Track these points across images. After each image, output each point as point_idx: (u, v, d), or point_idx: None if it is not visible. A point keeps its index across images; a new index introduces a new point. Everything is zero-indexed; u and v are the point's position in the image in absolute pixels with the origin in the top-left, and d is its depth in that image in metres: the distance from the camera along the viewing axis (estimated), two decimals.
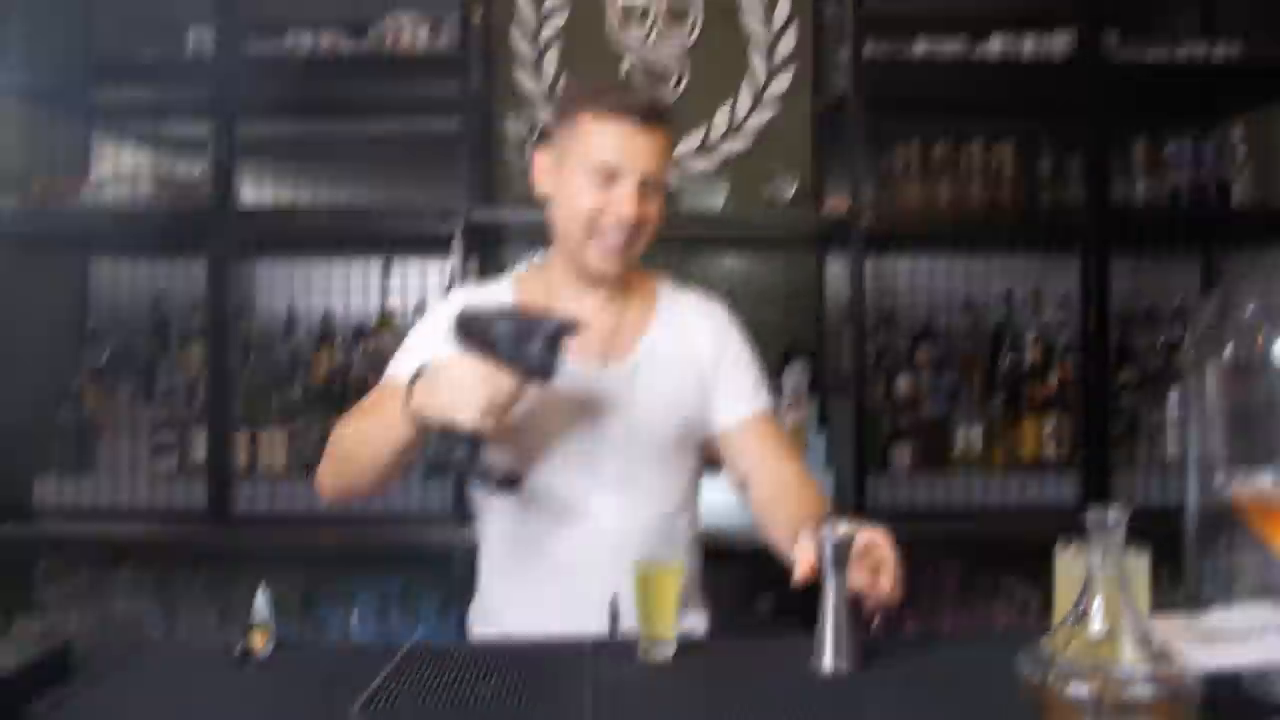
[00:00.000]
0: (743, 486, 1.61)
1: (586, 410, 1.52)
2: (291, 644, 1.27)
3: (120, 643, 1.30)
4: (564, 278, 1.57)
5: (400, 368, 1.52)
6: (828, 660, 1.17)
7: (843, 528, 1.19)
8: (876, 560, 1.23)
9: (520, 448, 1.52)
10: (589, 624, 1.42)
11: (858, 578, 1.21)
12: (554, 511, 1.53)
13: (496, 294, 1.62)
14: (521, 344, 1.27)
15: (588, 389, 1.53)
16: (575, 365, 1.50)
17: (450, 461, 1.30)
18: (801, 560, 1.21)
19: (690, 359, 1.58)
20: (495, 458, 1.36)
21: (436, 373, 1.32)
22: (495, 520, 1.60)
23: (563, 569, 1.52)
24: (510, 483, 1.36)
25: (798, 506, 1.46)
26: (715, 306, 1.67)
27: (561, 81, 3.05)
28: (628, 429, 1.52)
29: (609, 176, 1.44)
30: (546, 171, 1.53)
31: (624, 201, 1.44)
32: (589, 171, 1.45)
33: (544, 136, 1.58)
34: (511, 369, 1.28)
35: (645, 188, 1.46)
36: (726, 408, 1.59)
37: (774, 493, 1.53)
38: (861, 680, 1.16)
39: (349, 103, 2.65)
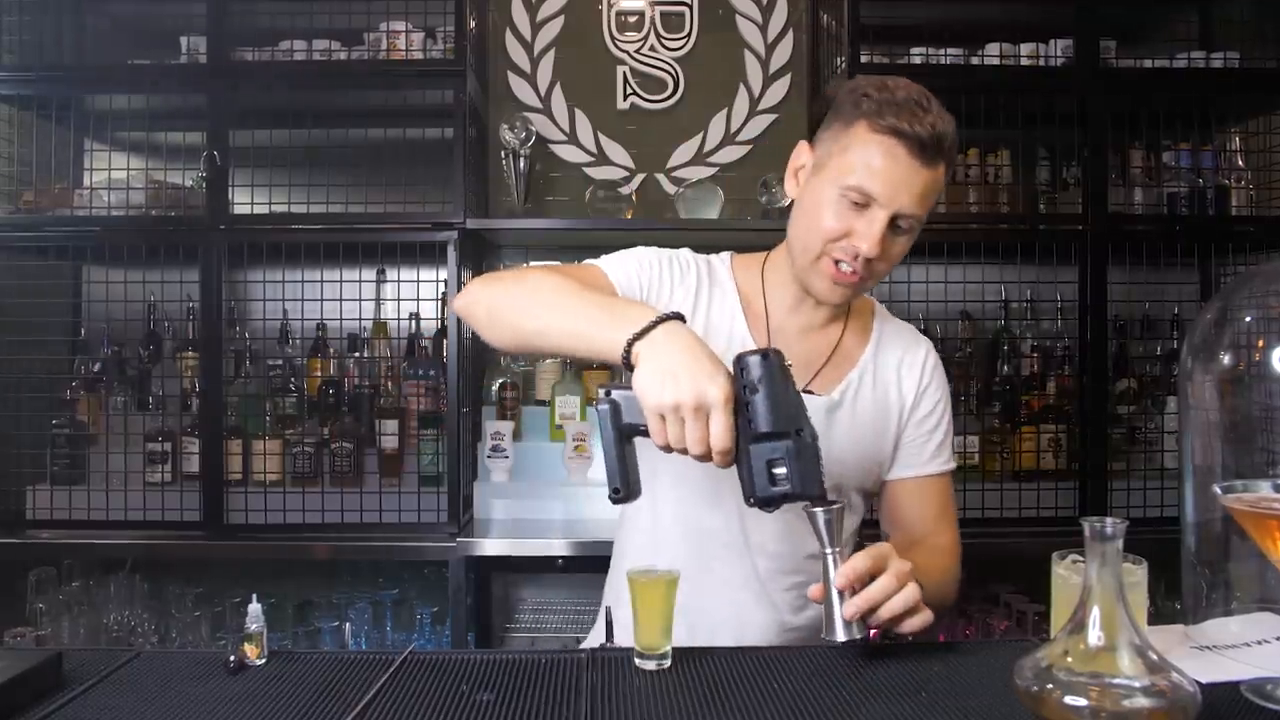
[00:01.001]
0: (889, 531, 1.52)
1: None
2: (285, 655, 1.26)
3: (113, 653, 1.27)
4: (788, 286, 1.43)
5: (616, 267, 1.39)
6: (839, 630, 1.17)
7: (832, 503, 1.17)
8: (902, 575, 1.19)
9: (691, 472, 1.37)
10: (752, 630, 1.40)
11: (883, 583, 1.17)
12: (712, 537, 1.42)
13: (719, 269, 1.47)
14: (774, 421, 1.13)
15: None
16: None
17: (780, 490, 1.15)
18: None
19: (890, 404, 1.47)
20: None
21: (677, 338, 1.14)
22: (635, 535, 1.50)
23: (707, 590, 1.42)
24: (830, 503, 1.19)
25: (924, 556, 1.35)
26: (925, 345, 1.53)
27: (560, 91, 3.06)
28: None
29: (862, 201, 1.29)
30: (802, 169, 1.38)
31: (869, 235, 1.28)
32: (843, 186, 1.29)
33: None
34: (740, 426, 1.13)
35: (898, 225, 1.30)
36: (906, 461, 1.48)
37: (908, 544, 1.42)
38: (857, 691, 1.15)
39: (343, 111, 2.64)
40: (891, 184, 1.26)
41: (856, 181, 1.27)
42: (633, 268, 1.41)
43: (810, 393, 1.39)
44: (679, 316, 1.17)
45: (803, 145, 1.39)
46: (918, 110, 1.25)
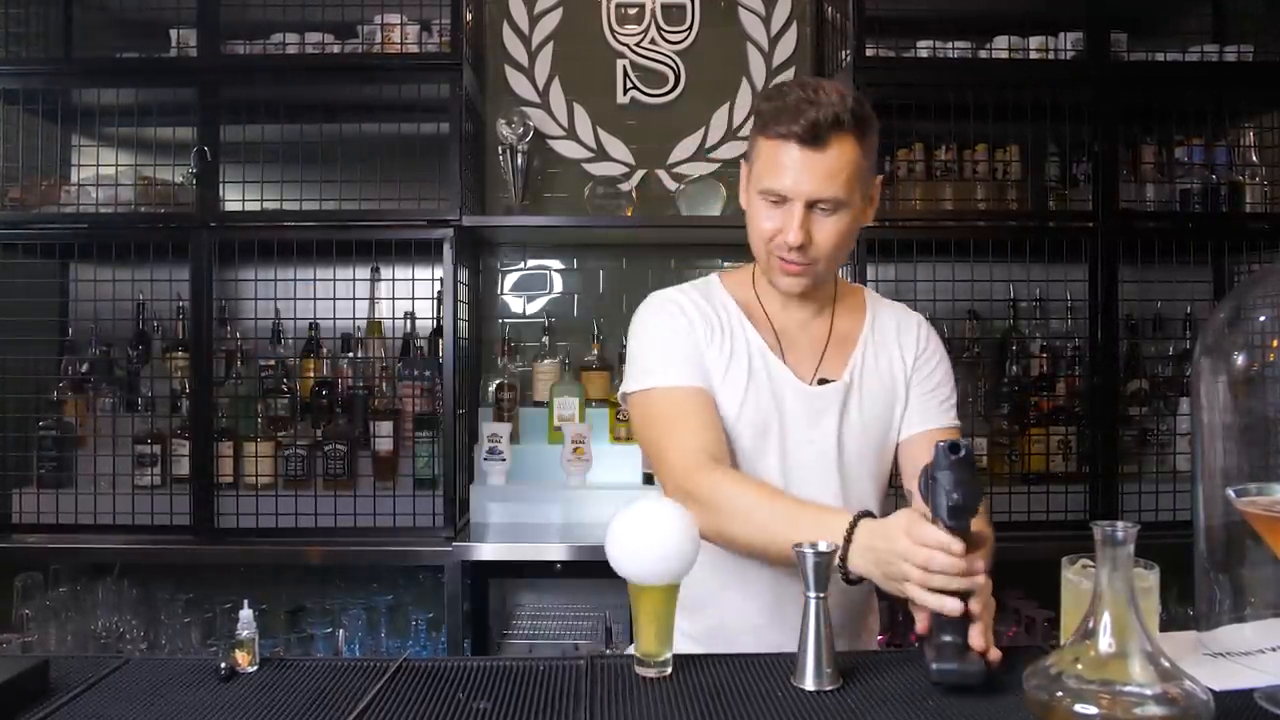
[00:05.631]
0: (910, 495, 1.55)
1: (803, 421, 1.51)
2: (277, 662, 1.27)
3: (101, 660, 1.27)
4: (769, 288, 1.55)
5: (665, 367, 1.50)
6: (809, 679, 1.17)
7: (822, 546, 1.18)
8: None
9: (733, 445, 1.50)
10: (732, 600, 1.48)
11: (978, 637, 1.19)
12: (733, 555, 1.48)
13: (711, 290, 1.59)
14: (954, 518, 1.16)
15: (808, 401, 1.51)
16: (795, 378, 1.51)
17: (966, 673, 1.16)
18: (920, 616, 1.22)
19: (895, 373, 1.58)
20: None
21: (873, 540, 1.24)
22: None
23: (763, 574, 1.49)
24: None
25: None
26: (916, 316, 1.65)
27: (559, 85, 3.02)
28: (840, 444, 1.51)
29: (778, 200, 1.43)
30: (744, 186, 1.53)
31: (790, 227, 1.42)
32: (761, 193, 1.45)
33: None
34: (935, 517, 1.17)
35: (818, 209, 1.42)
36: (913, 418, 1.58)
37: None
38: (863, 699, 1.15)
39: (336, 105, 2.61)
40: (792, 177, 1.40)
41: (765, 185, 1.43)
42: (687, 366, 1.49)
43: (826, 381, 1.52)
44: (868, 514, 1.28)
45: (744, 163, 1.54)
46: (802, 106, 1.38)
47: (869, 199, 1.48)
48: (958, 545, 1.15)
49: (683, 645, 1.38)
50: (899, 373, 1.58)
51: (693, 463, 1.41)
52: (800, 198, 1.40)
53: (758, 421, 1.49)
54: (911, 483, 1.55)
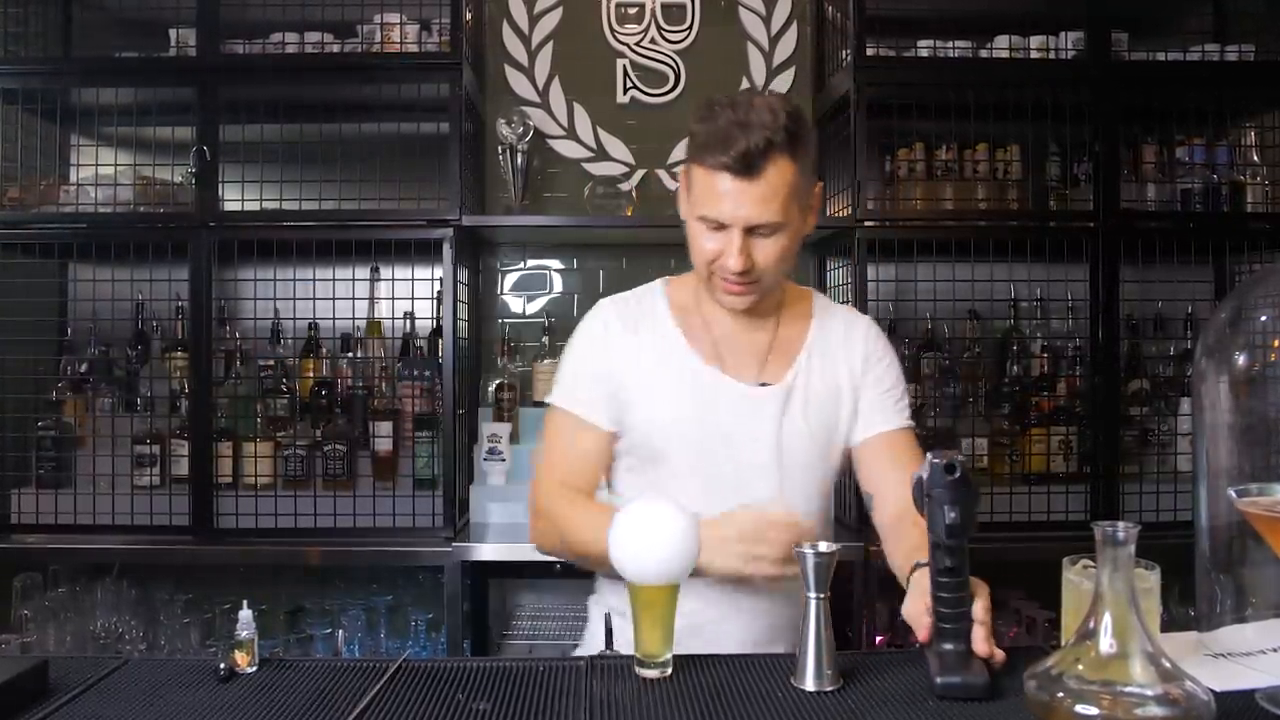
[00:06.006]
0: (869, 498, 1.63)
1: (741, 428, 1.52)
2: (276, 662, 1.27)
3: (100, 661, 1.27)
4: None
5: (571, 390, 1.58)
6: (809, 680, 1.17)
7: (823, 546, 1.18)
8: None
9: (670, 459, 1.53)
10: (737, 630, 1.48)
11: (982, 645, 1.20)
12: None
13: (650, 300, 1.62)
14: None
15: (745, 407, 1.53)
16: (732, 383, 1.53)
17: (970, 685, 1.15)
18: (920, 628, 1.24)
19: (841, 377, 1.59)
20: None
21: (711, 531, 1.34)
22: None
23: (697, 580, 1.48)
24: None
25: (920, 533, 1.42)
26: (864, 320, 1.67)
27: (559, 85, 3.01)
28: (780, 449, 1.53)
29: (717, 227, 1.44)
30: (682, 200, 1.54)
31: (730, 253, 1.43)
32: (700, 219, 1.46)
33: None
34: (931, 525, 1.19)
35: (756, 234, 1.43)
36: (866, 423, 1.59)
37: (899, 512, 1.51)
38: (864, 696, 1.15)
39: (336, 105, 2.59)
40: (730, 206, 1.41)
41: (704, 212, 1.44)
42: (591, 394, 1.56)
43: (765, 385, 1.54)
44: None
45: (681, 171, 1.55)
46: (733, 132, 1.38)
47: (809, 208, 1.49)
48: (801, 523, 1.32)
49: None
50: (845, 378, 1.59)
51: (552, 488, 1.55)
52: (738, 225, 1.42)
53: (690, 428, 1.51)
54: (870, 485, 1.61)
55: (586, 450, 1.57)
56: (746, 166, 1.38)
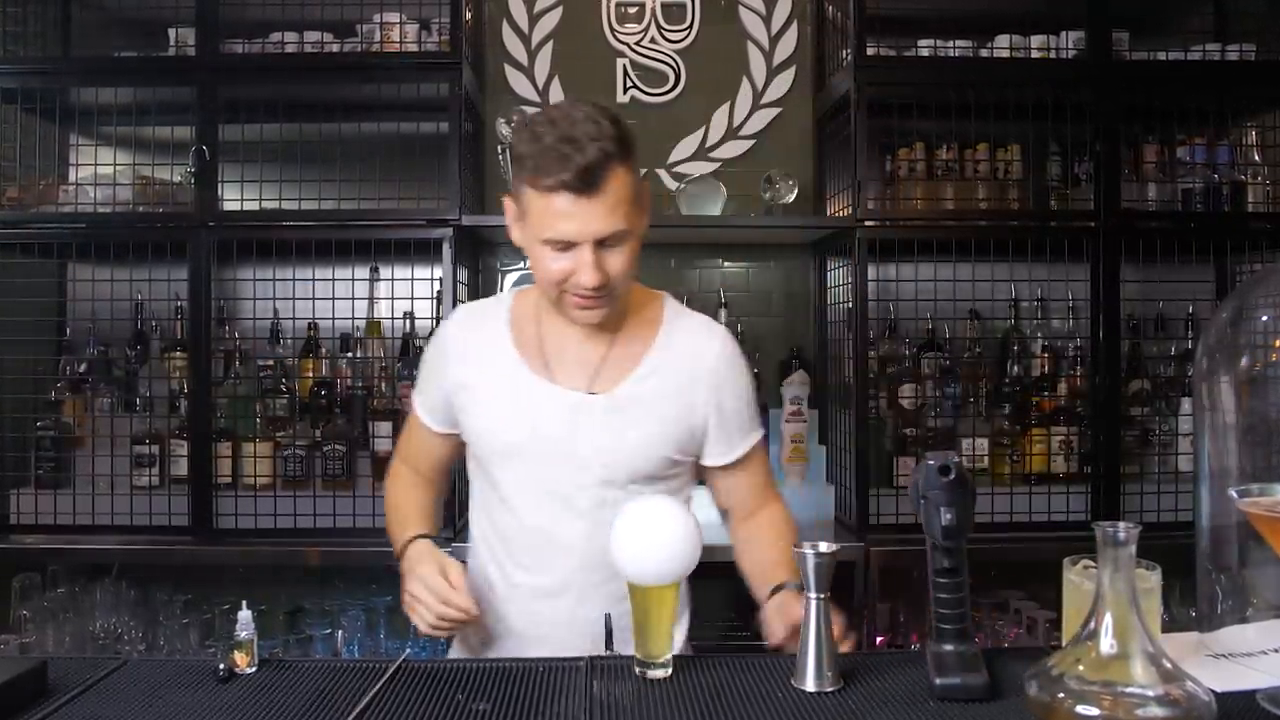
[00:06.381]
0: (723, 514, 1.70)
1: (565, 436, 1.51)
2: (276, 663, 1.28)
3: (99, 661, 1.28)
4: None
5: (418, 386, 1.67)
6: (810, 680, 1.17)
7: (823, 547, 1.19)
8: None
9: (499, 467, 1.55)
10: (570, 645, 1.44)
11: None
12: (529, 537, 1.55)
13: (494, 311, 1.62)
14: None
15: (570, 415, 1.52)
16: (561, 392, 1.52)
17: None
18: (772, 636, 1.39)
19: (685, 390, 1.56)
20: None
21: (412, 565, 1.49)
22: (480, 539, 1.65)
23: (540, 592, 1.55)
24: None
25: (772, 552, 1.56)
26: (718, 332, 1.62)
27: (558, 84, 3.00)
28: (603, 460, 1.51)
29: (564, 247, 1.42)
30: (514, 223, 1.51)
31: (584, 270, 1.41)
32: (544, 242, 1.43)
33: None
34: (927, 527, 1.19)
35: (605, 246, 1.42)
36: (719, 446, 1.59)
37: (751, 533, 1.63)
38: (864, 697, 1.15)
39: (335, 105, 2.59)
40: (578, 225, 1.39)
41: (549, 235, 1.41)
42: (426, 397, 1.66)
43: (595, 394, 1.52)
44: (425, 536, 1.55)
45: (507, 199, 1.51)
46: (565, 151, 1.36)
47: (644, 209, 1.49)
48: (458, 599, 1.40)
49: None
50: (694, 391, 1.56)
51: (395, 467, 1.74)
52: (587, 241, 1.40)
53: (518, 436, 1.52)
54: (722, 502, 1.67)
55: (422, 443, 1.69)
56: (587, 183, 1.36)
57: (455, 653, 1.67)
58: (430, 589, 1.41)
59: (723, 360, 1.58)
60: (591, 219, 1.38)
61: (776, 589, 1.46)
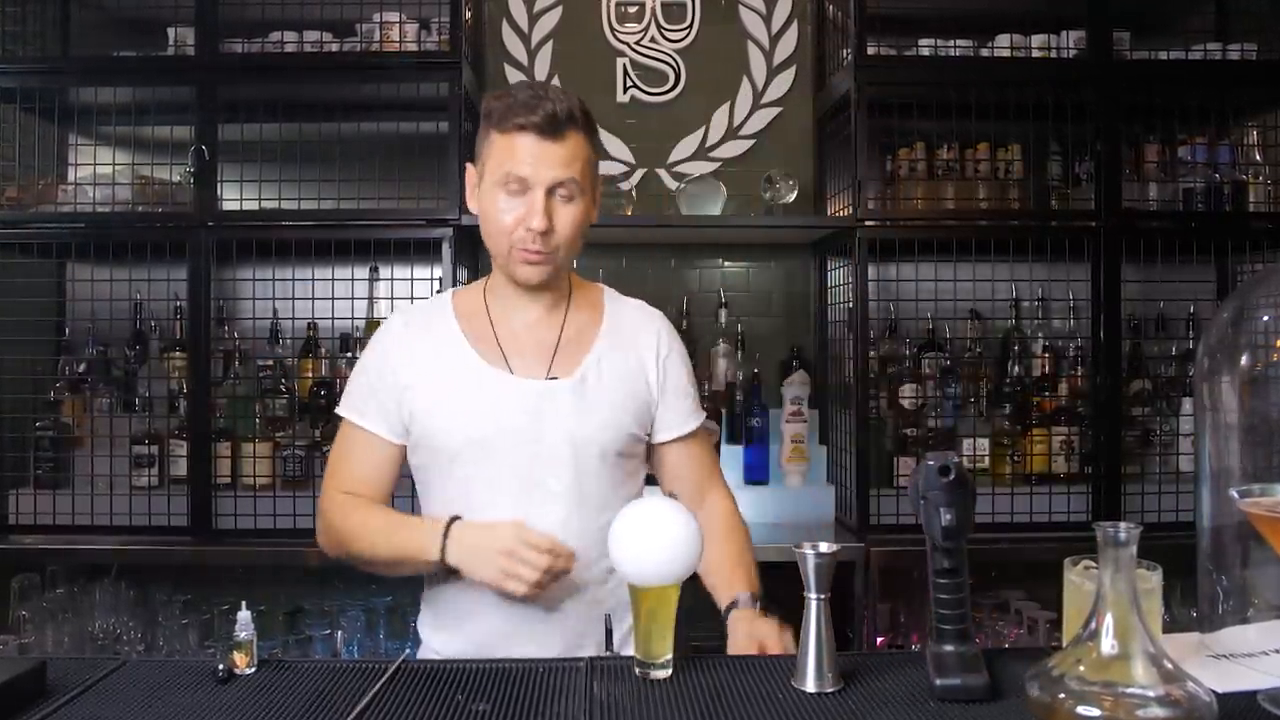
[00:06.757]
0: (672, 488, 1.69)
1: (531, 424, 1.52)
2: (275, 663, 1.27)
3: (98, 662, 1.27)
4: (504, 290, 1.59)
5: (355, 400, 1.60)
6: (810, 680, 1.17)
7: (823, 547, 1.18)
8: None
9: (465, 464, 1.54)
10: (542, 636, 1.48)
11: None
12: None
13: (439, 310, 1.63)
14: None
15: (534, 403, 1.53)
16: (519, 381, 1.53)
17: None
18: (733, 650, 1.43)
19: (636, 370, 1.61)
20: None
21: (479, 538, 1.45)
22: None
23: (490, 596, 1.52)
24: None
25: (723, 543, 1.59)
26: (657, 315, 1.69)
27: (555, 81, 3.00)
28: (573, 442, 1.53)
29: (520, 189, 1.47)
30: (474, 187, 1.57)
31: (534, 211, 1.47)
32: (500, 184, 1.48)
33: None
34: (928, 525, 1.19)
35: (557, 196, 1.48)
36: (667, 423, 1.64)
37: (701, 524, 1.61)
38: (864, 697, 1.15)
39: (335, 104, 2.59)
40: (532, 164, 1.46)
41: (506, 169, 1.47)
42: (372, 406, 1.58)
43: (555, 379, 1.55)
44: (456, 518, 1.48)
45: (469, 166, 1.58)
46: (533, 102, 1.46)
47: (595, 199, 1.56)
48: (563, 546, 1.41)
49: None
50: (640, 373, 1.61)
51: (332, 496, 1.59)
52: (541, 184, 1.46)
53: (480, 428, 1.52)
54: (672, 485, 1.67)
55: (367, 459, 1.60)
56: (552, 127, 1.45)
57: (444, 653, 1.63)
58: (531, 544, 1.40)
59: (664, 339, 1.65)
60: (550, 163, 1.46)
61: (732, 605, 1.50)
